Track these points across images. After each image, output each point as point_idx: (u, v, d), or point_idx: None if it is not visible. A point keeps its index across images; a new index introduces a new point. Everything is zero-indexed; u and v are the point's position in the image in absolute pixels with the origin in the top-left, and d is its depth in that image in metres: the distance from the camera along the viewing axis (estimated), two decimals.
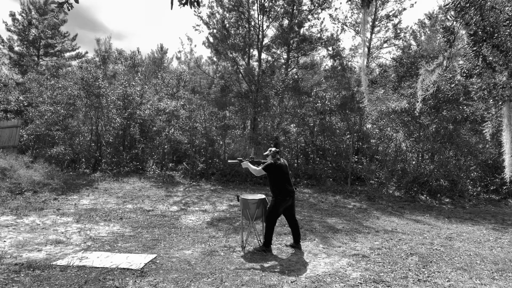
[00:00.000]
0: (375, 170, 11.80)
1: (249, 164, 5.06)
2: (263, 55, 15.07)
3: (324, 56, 15.82)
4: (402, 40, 15.86)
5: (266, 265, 4.24)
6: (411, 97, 10.42)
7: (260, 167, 4.99)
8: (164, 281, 3.61)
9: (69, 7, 2.43)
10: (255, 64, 14.85)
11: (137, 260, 4.17)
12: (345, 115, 13.32)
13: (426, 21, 18.53)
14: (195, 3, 2.52)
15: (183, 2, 2.46)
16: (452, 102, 10.37)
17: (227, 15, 13.89)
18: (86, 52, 27.00)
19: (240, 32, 14.17)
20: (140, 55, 28.27)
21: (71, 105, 12.71)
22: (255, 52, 14.94)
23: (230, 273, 3.89)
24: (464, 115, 10.47)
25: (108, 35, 48.74)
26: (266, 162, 5.08)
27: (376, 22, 15.51)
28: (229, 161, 5.58)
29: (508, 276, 4.12)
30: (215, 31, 14.12)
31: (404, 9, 15.06)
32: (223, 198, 9.12)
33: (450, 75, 9.74)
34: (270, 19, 14.32)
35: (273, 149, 5.10)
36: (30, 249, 4.46)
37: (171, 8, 2.38)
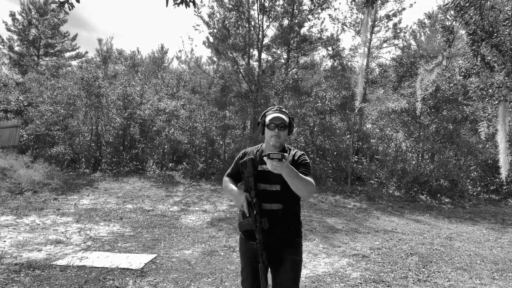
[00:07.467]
0: (375, 170, 11.79)
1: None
2: (263, 55, 15.08)
3: (324, 56, 15.80)
4: (402, 40, 15.84)
5: None
6: (411, 96, 10.43)
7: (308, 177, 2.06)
8: (164, 281, 3.61)
9: (70, 7, 2.41)
10: (255, 64, 14.85)
11: (137, 260, 4.18)
12: (345, 115, 13.32)
13: (426, 21, 18.51)
14: (190, 3, 2.51)
15: (177, 2, 2.46)
16: (451, 102, 10.37)
17: (227, 14, 13.89)
18: (86, 52, 26.99)
19: (240, 32, 14.17)
20: (140, 55, 28.29)
21: (71, 105, 12.70)
22: (255, 52, 14.94)
23: (230, 273, 3.89)
24: (464, 115, 10.47)
25: (110, 35, 48.91)
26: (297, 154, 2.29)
27: (376, 22, 15.49)
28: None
29: (508, 276, 4.12)
30: (215, 31, 14.12)
31: (404, 9, 15.01)
32: (223, 198, 9.12)
33: (449, 74, 9.75)
34: (270, 19, 14.32)
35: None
36: (30, 249, 4.46)
37: (166, 6, 2.37)
